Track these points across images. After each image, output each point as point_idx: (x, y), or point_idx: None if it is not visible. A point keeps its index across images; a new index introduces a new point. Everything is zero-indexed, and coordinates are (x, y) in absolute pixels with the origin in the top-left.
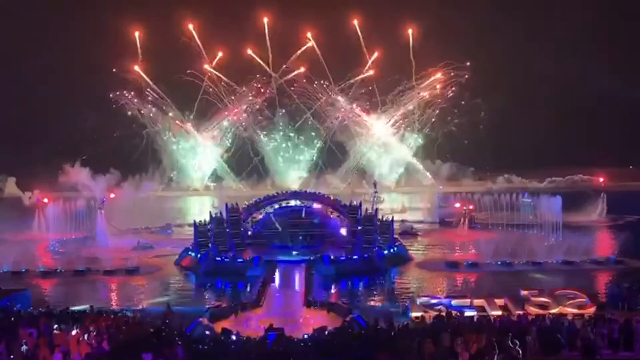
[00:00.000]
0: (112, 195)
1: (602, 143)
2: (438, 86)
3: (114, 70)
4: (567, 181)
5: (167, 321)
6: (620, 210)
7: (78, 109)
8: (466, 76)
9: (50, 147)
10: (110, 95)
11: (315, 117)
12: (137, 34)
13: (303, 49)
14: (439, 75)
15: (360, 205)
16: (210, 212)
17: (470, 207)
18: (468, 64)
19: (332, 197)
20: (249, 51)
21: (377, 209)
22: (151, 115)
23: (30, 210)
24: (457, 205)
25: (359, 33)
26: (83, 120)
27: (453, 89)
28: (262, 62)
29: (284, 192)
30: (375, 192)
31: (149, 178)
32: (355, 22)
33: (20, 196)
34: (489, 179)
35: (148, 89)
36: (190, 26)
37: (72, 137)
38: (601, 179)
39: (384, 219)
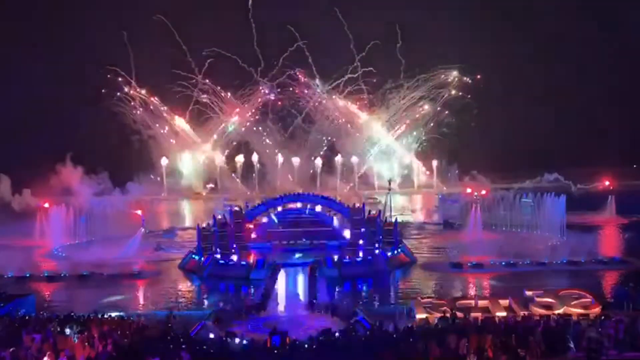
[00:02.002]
0: (138, 212)
1: (603, 142)
2: (430, 84)
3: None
4: (535, 182)
5: (170, 325)
6: (624, 210)
7: (70, 112)
8: (456, 78)
9: (40, 148)
10: (103, 92)
11: (307, 120)
12: (126, 37)
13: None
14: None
15: (364, 206)
16: (213, 216)
17: (483, 192)
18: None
19: (334, 199)
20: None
21: (380, 211)
22: (146, 119)
23: (21, 215)
24: (469, 190)
25: (349, 35)
26: (76, 123)
27: (453, 92)
28: (246, 66)
29: (286, 194)
30: (390, 189)
31: (148, 182)
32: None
33: (10, 199)
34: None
35: (138, 92)
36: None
37: (64, 140)
38: (607, 182)
39: (387, 220)
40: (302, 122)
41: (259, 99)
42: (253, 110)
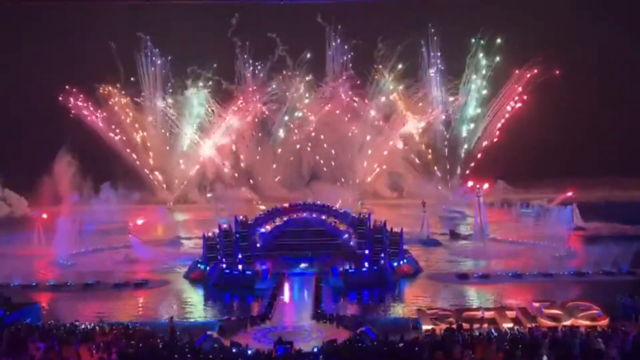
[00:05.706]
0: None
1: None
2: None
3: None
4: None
5: (178, 333)
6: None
7: (61, 117)
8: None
9: (30, 153)
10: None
11: (298, 126)
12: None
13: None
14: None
15: (369, 217)
16: (219, 225)
17: (486, 185)
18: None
19: (340, 209)
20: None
21: (385, 221)
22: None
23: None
24: (470, 184)
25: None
26: (66, 129)
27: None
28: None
29: (290, 204)
30: (424, 211)
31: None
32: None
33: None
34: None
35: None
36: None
37: (53, 147)
38: (569, 193)
39: (393, 230)
40: (292, 128)
41: (247, 110)
42: (242, 121)
